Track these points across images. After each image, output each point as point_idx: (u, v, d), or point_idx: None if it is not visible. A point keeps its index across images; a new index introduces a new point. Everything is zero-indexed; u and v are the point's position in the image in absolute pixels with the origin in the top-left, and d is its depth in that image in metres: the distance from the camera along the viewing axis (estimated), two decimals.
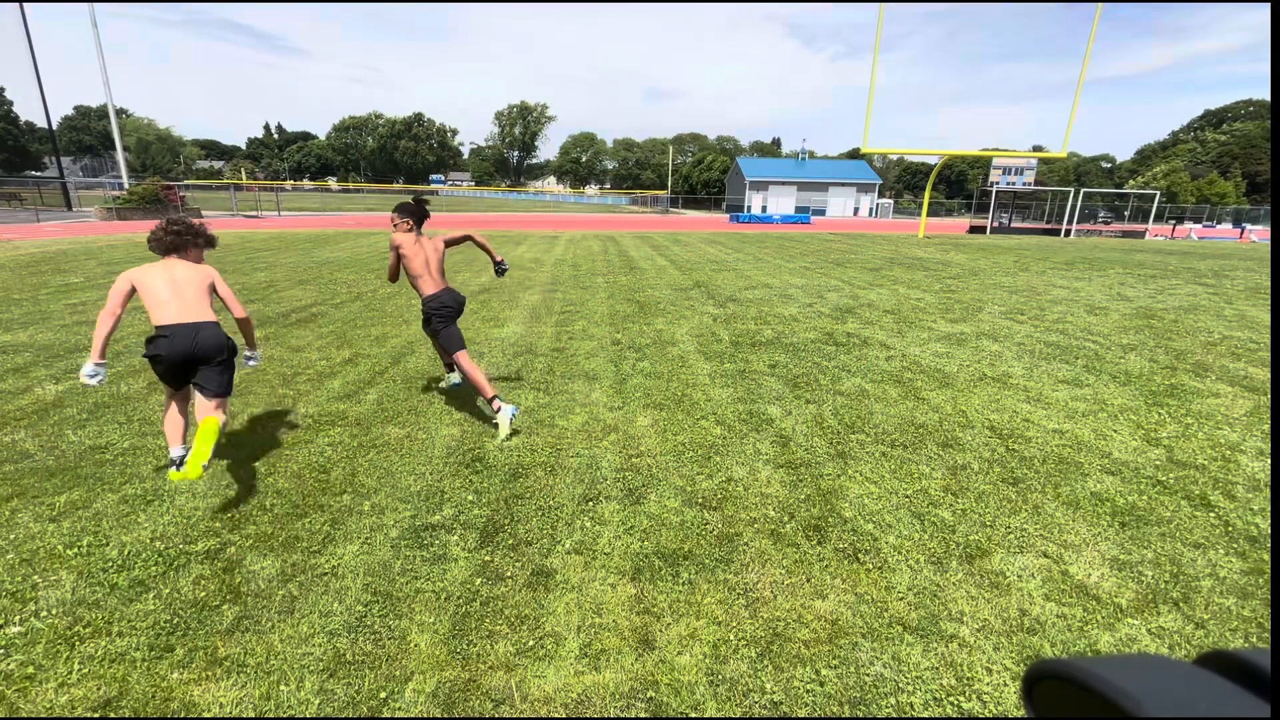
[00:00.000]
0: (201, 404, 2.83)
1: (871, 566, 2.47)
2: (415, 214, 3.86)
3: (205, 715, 1.74)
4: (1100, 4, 20.27)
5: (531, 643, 2.03)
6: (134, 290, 2.75)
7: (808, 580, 2.38)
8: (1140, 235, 31.04)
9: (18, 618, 2.10)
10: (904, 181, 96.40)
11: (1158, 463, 3.50)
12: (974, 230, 31.81)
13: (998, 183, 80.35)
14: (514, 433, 3.68)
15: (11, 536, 2.56)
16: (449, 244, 3.95)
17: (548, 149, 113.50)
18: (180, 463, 2.78)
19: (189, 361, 2.79)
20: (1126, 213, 44.52)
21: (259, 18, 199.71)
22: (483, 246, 4.10)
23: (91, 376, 2.71)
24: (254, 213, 29.99)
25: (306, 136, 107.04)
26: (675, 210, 61.55)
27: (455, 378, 4.43)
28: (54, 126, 30.36)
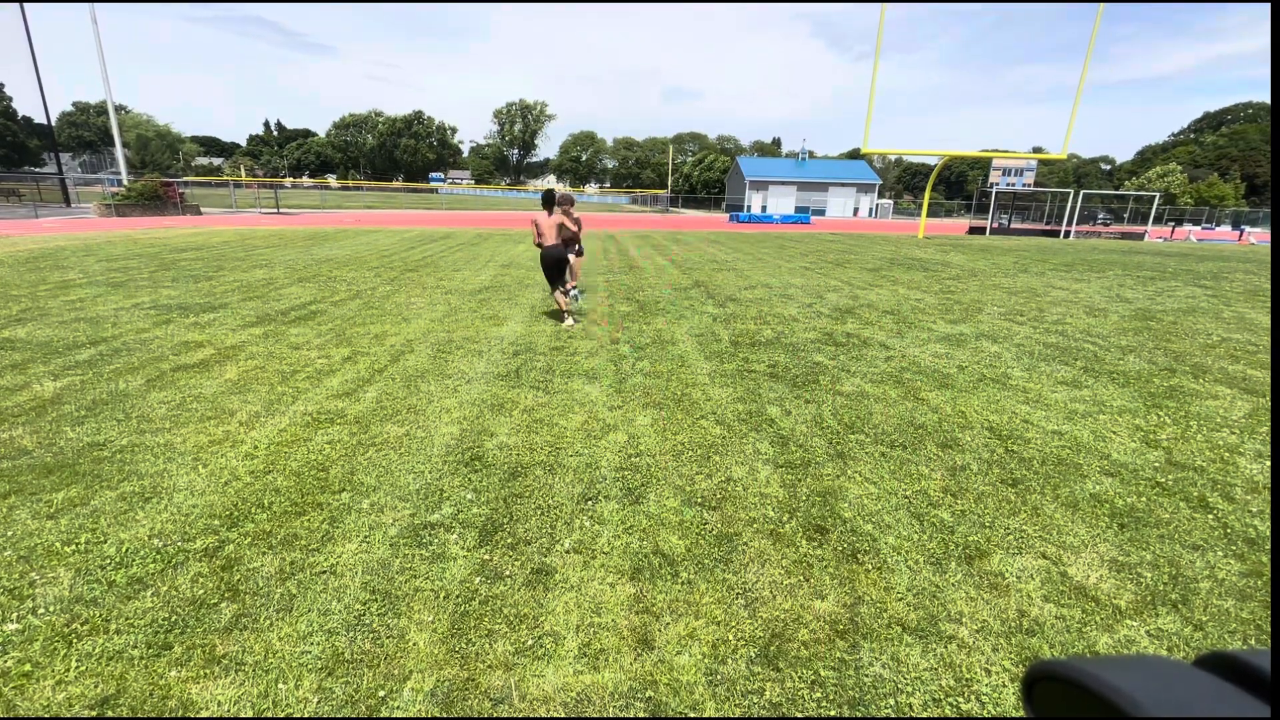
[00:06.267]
0: None
1: (870, 567, 2.47)
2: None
3: (203, 713, 1.74)
4: (1101, 4, 20.26)
5: (530, 642, 2.03)
6: None
7: (807, 580, 2.38)
8: (1139, 237, 31.07)
9: (15, 615, 2.09)
10: (904, 182, 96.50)
11: (1156, 464, 3.50)
12: (973, 231, 31.82)
13: (997, 184, 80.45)
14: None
15: (9, 533, 2.56)
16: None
17: (548, 147, 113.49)
18: None
19: None
20: (1125, 215, 44.57)
21: (260, 14, 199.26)
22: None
23: None
24: (257, 209, 29.96)
25: (306, 134, 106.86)
26: (675, 210, 61.55)
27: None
28: (53, 122, 30.33)
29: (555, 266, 6.50)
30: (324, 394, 4.29)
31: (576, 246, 7.19)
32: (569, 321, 6.60)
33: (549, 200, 6.48)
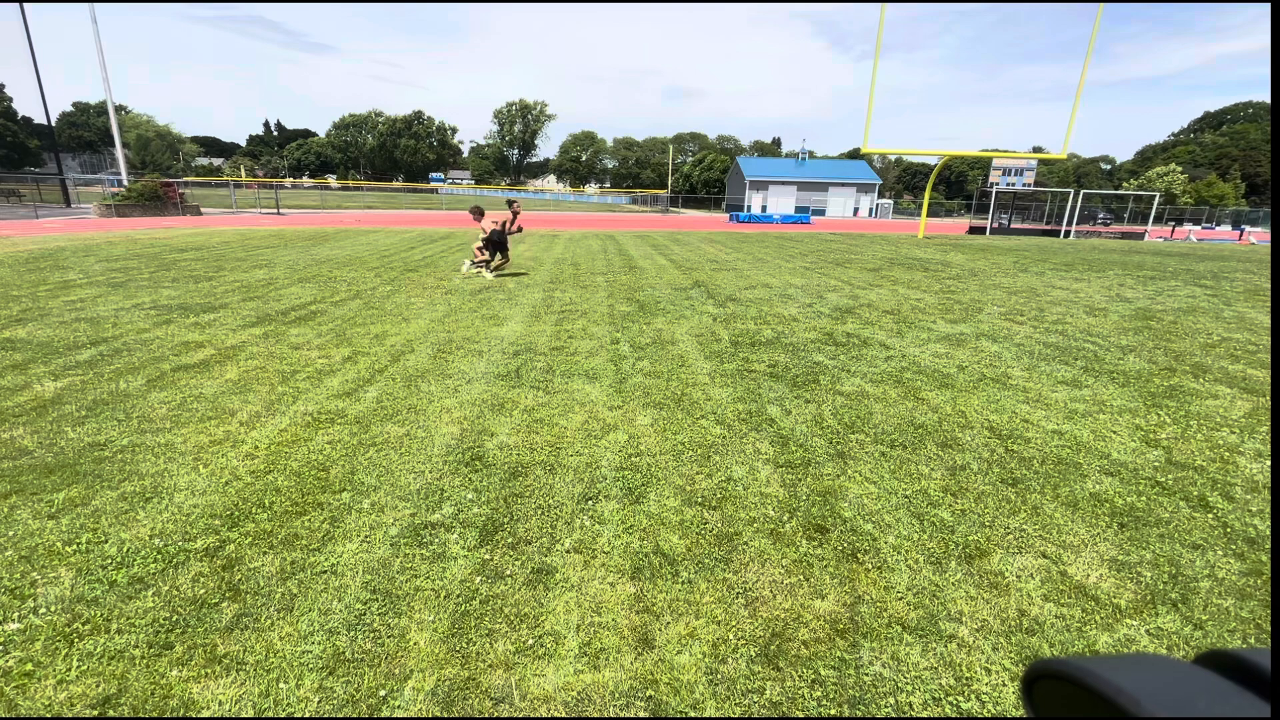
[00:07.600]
0: None
1: (871, 566, 2.47)
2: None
3: (204, 713, 1.74)
4: (1101, 4, 20.25)
5: (531, 641, 2.03)
6: None
7: (807, 580, 2.38)
8: (1139, 236, 31.05)
9: (17, 614, 2.10)
10: (904, 182, 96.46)
11: (1156, 464, 3.50)
12: (973, 231, 31.81)
13: (997, 183, 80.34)
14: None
15: (10, 533, 2.56)
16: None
17: (548, 147, 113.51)
18: None
19: None
20: (1125, 214, 44.57)
21: (260, 13, 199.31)
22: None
23: None
24: (257, 209, 29.91)
25: (306, 134, 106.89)
26: (675, 209, 61.53)
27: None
28: (53, 123, 30.36)
29: (493, 246, 10.00)
30: (324, 394, 4.29)
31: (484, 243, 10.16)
32: (466, 267, 10.31)
33: (479, 212, 9.99)
